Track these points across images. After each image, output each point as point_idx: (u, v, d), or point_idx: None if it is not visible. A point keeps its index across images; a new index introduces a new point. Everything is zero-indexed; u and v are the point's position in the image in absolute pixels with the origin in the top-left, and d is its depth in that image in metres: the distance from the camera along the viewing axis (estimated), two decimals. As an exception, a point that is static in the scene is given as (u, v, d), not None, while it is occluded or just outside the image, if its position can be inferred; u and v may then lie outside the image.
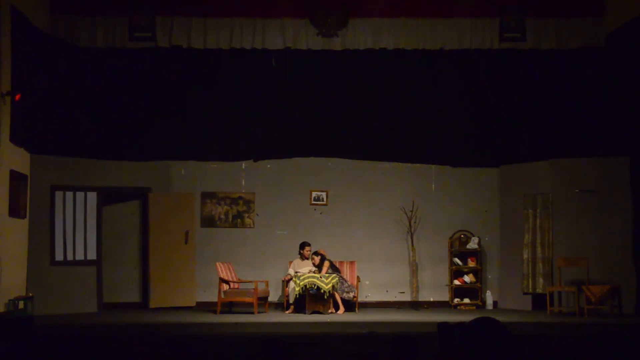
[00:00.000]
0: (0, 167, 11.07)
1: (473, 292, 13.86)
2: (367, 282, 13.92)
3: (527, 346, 8.01)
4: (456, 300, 13.75)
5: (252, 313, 12.27)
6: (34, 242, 12.34)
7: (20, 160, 11.86)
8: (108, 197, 13.53)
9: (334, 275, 12.58)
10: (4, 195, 11.14)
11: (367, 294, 13.93)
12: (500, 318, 4.24)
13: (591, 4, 12.86)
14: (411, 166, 14.27)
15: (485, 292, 13.75)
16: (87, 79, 12.95)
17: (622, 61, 12.47)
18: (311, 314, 12.32)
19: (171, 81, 13.34)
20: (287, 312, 12.75)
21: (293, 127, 13.87)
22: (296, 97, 13.65)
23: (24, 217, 11.97)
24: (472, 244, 13.83)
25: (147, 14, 12.71)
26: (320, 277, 12.43)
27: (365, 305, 13.60)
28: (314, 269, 12.93)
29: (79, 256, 12.99)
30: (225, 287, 12.54)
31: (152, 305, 13.13)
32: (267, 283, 13.13)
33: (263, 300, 12.85)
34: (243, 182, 14.16)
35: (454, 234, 14.00)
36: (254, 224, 14.07)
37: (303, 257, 13.24)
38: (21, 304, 11.07)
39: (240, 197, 14.08)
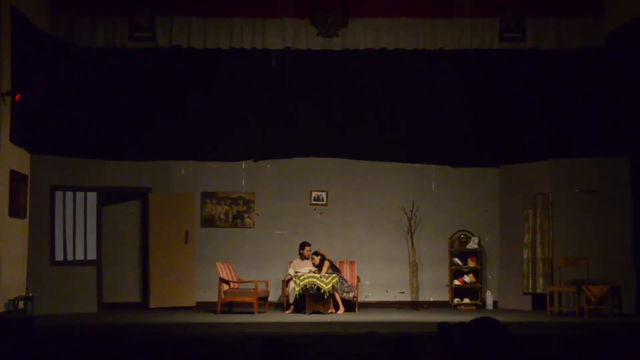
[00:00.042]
0: (0, 167, 11.08)
1: (473, 292, 13.86)
2: (367, 282, 13.92)
3: (527, 346, 8.01)
4: (456, 300, 13.75)
5: (252, 313, 12.27)
6: (34, 242, 12.35)
7: (20, 160, 11.86)
8: (108, 197, 13.54)
9: (334, 275, 12.58)
10: (4, 195, 11.15)
11: (367, 294, 13.93)
12: (500, 318, 4.25)
13: (591, 4, 12.86)
14: (411, 166, 14.27)
15: (485, 292, 13.75)
16: (87, 79, 12.95)
17: (622, 61, 12.47)
18: (311, 314, 12.32)
19: (171, 81, 13.34)
20: (287, 312, 12.75)
21: (293, 127, 13.87)
22: (296, 97, 13.64)
23: (24, 217, 11.97)
24: (472, 244, 13.84)
25: (147, 14, 12.71)
26: (320, 277, 12.43)
27: (365, 305, 13.60)
28: (314, 269, 12.93)
29: (79, 256, 12.99)
30: (225, 287, 12.54)
31: (152, 305, 13.13)
32: (267, 283, 13.13)
33: (263, 300, 12.85)
34: (243, 182, 14.16)
35: (454, 234, 14.01)
36: (254, 224, 14.07)
37: (303, 257, 13.24)
38: (21, 304, 11.07)
39: (240, 197, 14.08)
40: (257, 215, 14.07)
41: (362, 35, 12.92)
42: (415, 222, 13.93)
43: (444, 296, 13.94)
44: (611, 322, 11.15)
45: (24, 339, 8.64)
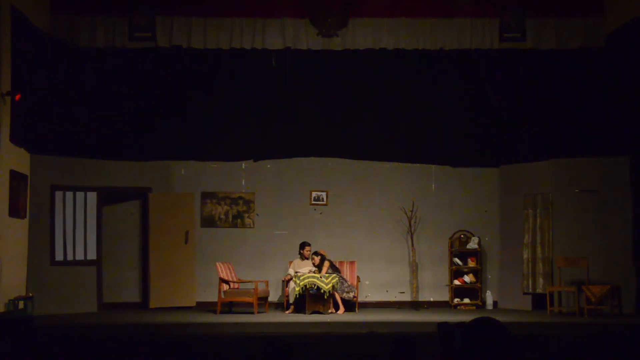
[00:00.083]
0: (0, 167, 11.08)
1: (473, 292, 13.86)
2: (367, 282, 13.92)
3: (527, 346, 8.01)
4: (456, 300, 13.75)
5: (252, 313, 12.27)
6: (34, 242, 12.35)
7: (20, 160, 11.86)
8: (108, 197, 13.54)
9: (334, 275, 12.58)
10: (4, 195, 11.15)
11: (367, 294, 13.93)
12: (500, 318, 4.25)
13: (591, 4, 12.87)
14: (411, 166, 14.26)
15: (485, 292, 13.75)
16: (87, 79, 12.95)
17: (622, 61, 12.47)
18: (311, 314, 12.32)
19: (171, 81, 13.34)
20: (287, 312, 12.75)
21: (293, 127, 13.86)
22: (296, 97, 13.64)
23: (24, 217, 11.98)
24: (472, 244, 13.84)
25: (147, 14, 12.72)
26: (320, 277, 12.43)
27: (365, 305, 13.60)
28: (314, 269, 12.93)
29: (79, 256, 12.99)
30: (225, 287, 12.54)
31: (152, 305, 13.13)
32: (267, 283, 13.13)
33: (263, 300, 12.85)
34: (243, 182, 14.16)
35: (454, 234, 14.01)
36: (254, 224, 14.07)
37: (303, 257, 13.24)
38: (21, 304, 11.08)
39: (240, 197, 14.08)
40: (257, 215, 14.07)
41: (362, 35, 12.92)
42: (415, 222, 13.93)
43: (444, 296, 13.94)
44: (611, 322, 11.15)
45: (24, 339, 8.64)
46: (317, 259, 12.96)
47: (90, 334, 9.83)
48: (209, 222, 14.00)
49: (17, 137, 11.50)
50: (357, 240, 14.06)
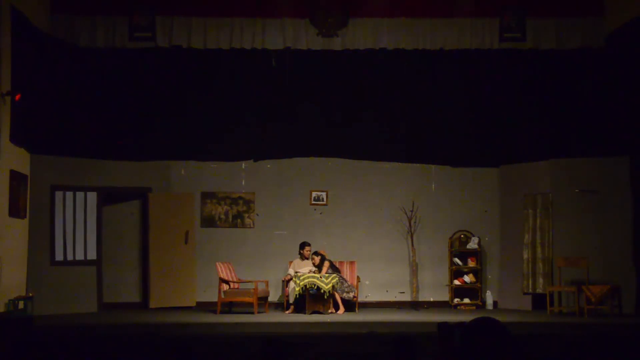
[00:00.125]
0: (0, 167, 11.08)
1: (473, 292, 13.86)
2: (367, 282, 13.92)
3: (527, 346, 8.01)
4: (456, 300, 13.75)
5: (252, 313, 12.27)
6: (34, 242, 12.35)
7: (20, 160, 11.86)
8: (108, 197, 13.53)
9: (334, 275, 12.58)
10: (4, 195, 11.15)
11: (367, 294, 13.93)
12: (500, 318, 4.25)
13: (591, 4, 12.87)
14: (411, 166, 14.26)
15: (485, 292, 13.75)
16: (87, 79, 12.95)
17: (622, 61, 12.48)
18: (311, 314, 12.31)
19: (171, 81, 13.34)
20: (287, 312, 12.75)
21: (293, 127, 13.86)
22: (296, 97, 13.64)
23: (24, 217, 11.97)
24: (472, 244, 13.83)
25: (147, 14, 12.72)
26: (320, 277, 12.43)
27: (365, 305, 13.60)
28: (314, 269, 12.93)
29: (79, 256, 12.99)
30: (225, 287, 12.54)
31: (152, 305, 13.13)
32: (267, 283, 13.13)
33: (263, 300, 12.85)
34: (243, 182, 14.16)
35: (454, 234, 14.01)
36: (254, 224, 14.07)
37: (303, 257, 13.24)
38: (21, 304, 11.07)
39: (240, 197, 14.08)
40: (257, 215, 14.07)
41: (362, 35, 12.92)
42: (415, 222, 13.92)
43: (444, 296, 13.93)
44: (611, 322, 11.15)
45: (24, 339, 8.65)
46: (317, 259, 12.96)
47: (90, 334, 9.83)
48: (209, 222, 14.00)
49: (17, 137, 11.50)
50: (357, 240, 14.06)
